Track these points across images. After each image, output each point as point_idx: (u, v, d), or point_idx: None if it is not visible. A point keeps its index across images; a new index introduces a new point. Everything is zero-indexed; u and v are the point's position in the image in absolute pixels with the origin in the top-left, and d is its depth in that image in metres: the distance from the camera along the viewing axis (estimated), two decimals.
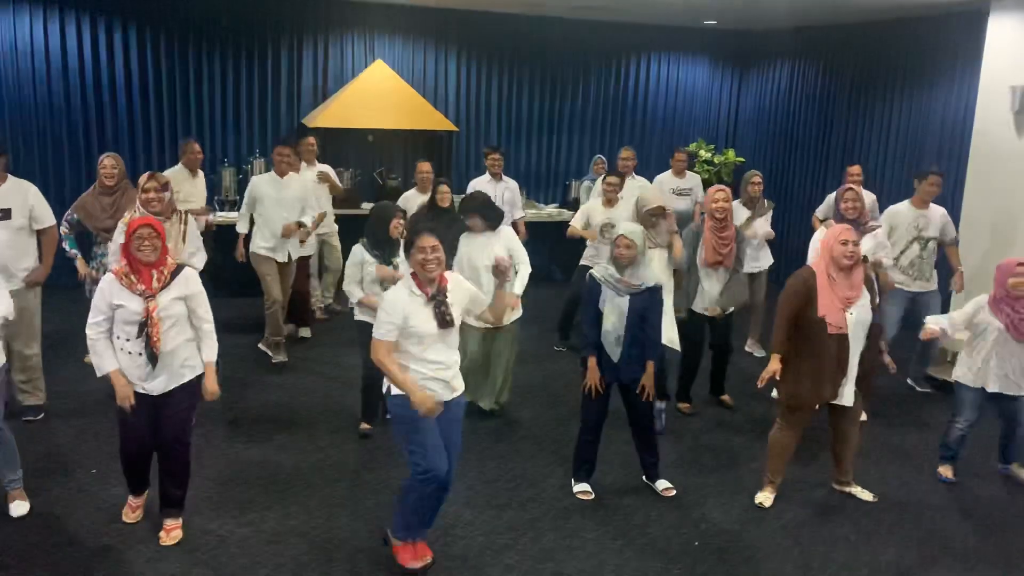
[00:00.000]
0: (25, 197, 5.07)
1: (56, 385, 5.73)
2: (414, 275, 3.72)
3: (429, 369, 3.71)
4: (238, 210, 7.09)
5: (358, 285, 5.11)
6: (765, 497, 4.69)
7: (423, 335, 3.67)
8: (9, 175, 5.09)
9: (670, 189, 8.24)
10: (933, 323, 4.90)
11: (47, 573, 3.78)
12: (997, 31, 6.82)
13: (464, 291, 3.88)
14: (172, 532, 4.10)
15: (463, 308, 3.88)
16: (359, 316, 5.20)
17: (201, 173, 7.35)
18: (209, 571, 3.84)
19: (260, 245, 6.40)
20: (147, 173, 5.01)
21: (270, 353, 6.63)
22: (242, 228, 6.56)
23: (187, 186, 7.11)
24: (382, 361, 3.68)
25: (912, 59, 8.32)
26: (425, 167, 7.06)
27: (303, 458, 5.05)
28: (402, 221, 5.14)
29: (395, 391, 3.74)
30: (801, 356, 4.42)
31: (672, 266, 5.77)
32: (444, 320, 3.68)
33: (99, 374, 3.89)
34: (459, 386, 3.88)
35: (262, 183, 6.42)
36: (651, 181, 8.23)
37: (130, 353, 3.86)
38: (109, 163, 5.82)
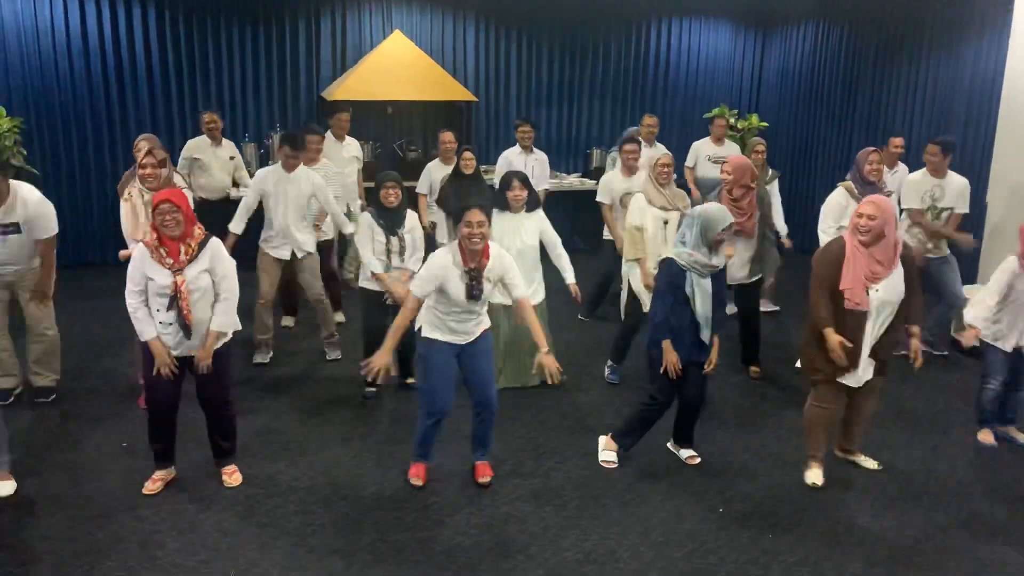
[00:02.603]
0: (25, 208, 4.91)
1: (68, 364, 5.71)
2: (461, 245, 4.04)
3: (449, 318, 4.18)
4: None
5: (368, 250, 5.25)
6: (815, 475, 4.55)
7: (454, 300, 4.09)
8: (16, 183, 4.94)
9: (707, 156, 8.15)
10: (971, 321, 4.82)
11: (62, 551, 3.87)
12: None
13: (503, 267, 4.18)
14: (233, 475, 4.44)
15: (496, 281, 4.19)
16: (363, 283, 5.28)
17: (227, 143, 7.51)
18: (237, 518, 3.94)
19: (265, 241, 6.01)
20: (144, 145, 5.04)
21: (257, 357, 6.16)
22: (235, 228, 5.86)
23: (208, 155, 7.22)
24: (404, 309, 4.11)
25: (939, 18, 8.12)
26: (448, 137, 7.00)
27: (306, 420, 5.17)
28: (393, 190, 5.16)
29: (424, 333, 4.23)
30: (819, 331, 4.32)
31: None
32: (472, 294, 4.07)
33: (142, 339, 4.07)
34: (477, 331, 4.29)
35: (268, 179, 5.93)
36: (671, 148, 8.11)
37: (162, 323, 4.03)
38: (143, 145, 5.80)
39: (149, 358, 4.11)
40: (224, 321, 4.13)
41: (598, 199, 6.67)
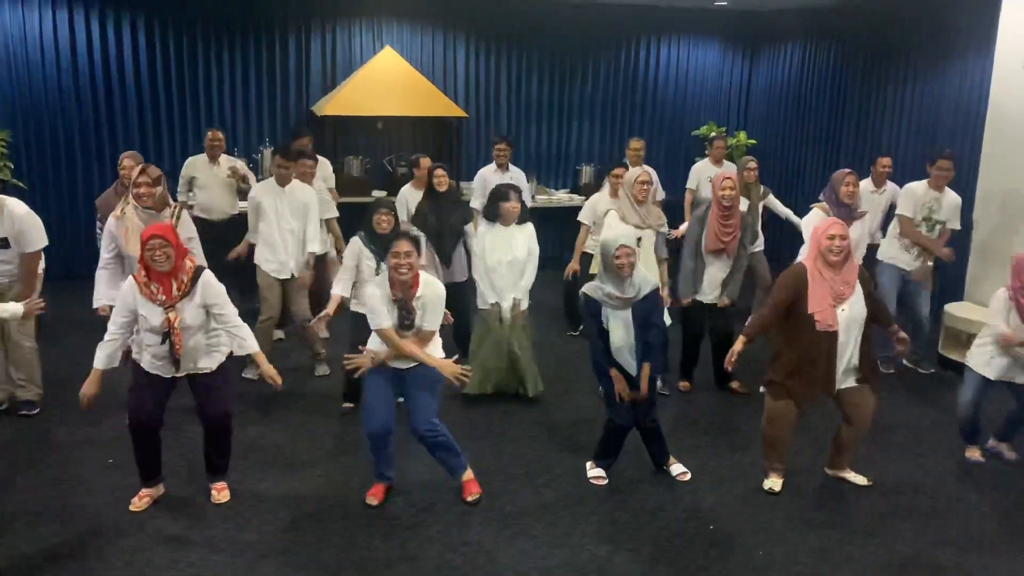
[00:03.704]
0: (13, 224, 4.91)
1: (51, 377, 5.64)
2: (390, 275, 4.13)
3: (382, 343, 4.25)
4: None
5: (349, 281, 5.24)
6: (773, 482, 4.65)
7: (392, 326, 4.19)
8: (3, 197, 4.92)
9: (708, 177, 8.13)
10: (995, 333, 4.78)
11: (46, 568, 3.81)
12: (1012, 7, 6.72)
13: (435, 295, 4.25)
14: (222, 492, 4.40)
15: (434, 312, 4.25)
16: (354, 307, 5.30)
17: (225, 159, 7.20)
18: (226, 535, 3.89)
19: (263, 259, 5.92)
20: (139, 167, 5.02)
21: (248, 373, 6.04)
22: (252, 238, 5.97)
23: (205, 174, 7.11)
24: (396, 344, 4.19)
25: (925, 38, 8.21)
26: (427, 163, 6.85)
27: (295, 435, 5.18)
28: (386, 217, 5.18)
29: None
30: (792, 349, 4.37)
31: (661, 252, 5.75)
32: (403, 323, 4.17)
33: (95, 364, 4.06)
34: (414, 360, 4.29)
35: (262, 193, 5.88)
36: (659, 165, 8.15)
37: (154, 354, 4.03)
38: (128, 163, 5.78)
39: (132, 378, 4.08)
40: (252, 339, 4.20)
41: (579, 218, 6.68)
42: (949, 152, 6.30)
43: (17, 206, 4.93)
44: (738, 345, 4.49)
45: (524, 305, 5.63)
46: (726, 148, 8.38)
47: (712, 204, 5.63)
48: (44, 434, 5.11)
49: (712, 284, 5.73)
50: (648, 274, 4.66)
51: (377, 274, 5.25)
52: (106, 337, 4.03)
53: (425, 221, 5.88)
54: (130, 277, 4.01)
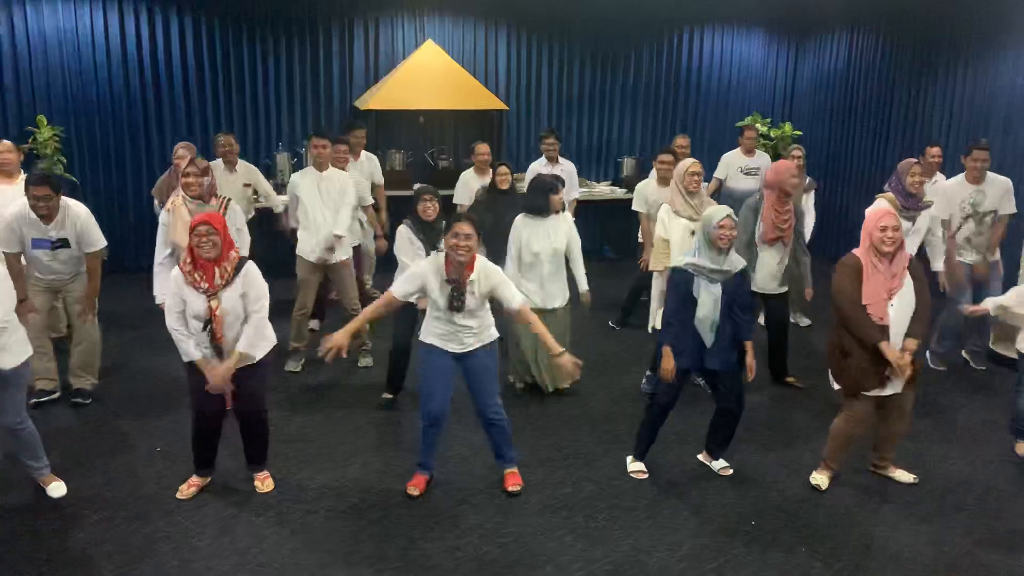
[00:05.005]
0: (75, 224, 5.09)
1: (104, 368, 5.79)
2: (447, 254, 4.07)
3: (439, 325, 4.25)
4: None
5: (411, 261, 5.18)
6: (821, 480, 4.59)
7: (439, 306, 4.16)
8: (66, 200, 5.08)
9: (738, 168, 8.05)
10: (991, 303, 4.77)
11: (96, 552, 3.91)
12: None
13: (490, 282, 4.16)
14: (265, 481, 4.48)
15: (484, 295, 4.18)
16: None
17: (244, 166, 7.08)
18: (269, 524, 3.96)
19: (304, 250, 5.98)
20: (189, 157, 5.12)
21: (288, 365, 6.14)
22: (294, 223, 6.09)
23: (220, 180, 7.07)
24: (378, 301, 4.23)
25: (977, 25, 7.99)
26: (484, 149, 6.98)
27: (338, 426, 5.22)
28: (431, 203, 5.18)
29: (420, 337, 4.34)
30: (850, 345, 4.28)
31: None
32: (452, 304, 4.12)
33: (185, 359, 4.13)
34: (472, 343, 4.27)
35: (302, 181, 5.94)
36: (703, 157, 8.05)
37: (198, 342, 4.09)
38: (181, 152, 5.91)
39: (193, 374, 4.15)
40: (250, 343, 4.13)
41: (634, 207, 6.65)
42: (984, 142, 6.15)
43: (79, 208, 5.13)
44: (892, 353, 4.17)
45: (563, 299, 5.58)
46: (757, 137, 8.26)
47: (767, 193, 5.52)
48: (96, 423, 5.23)
49: (768, 275, 5.62)
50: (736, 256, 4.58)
51: None
52: (173, 335, 4.08)
53: (481, 218, 5.88)
54: (175, 267, 4.09)
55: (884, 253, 4.19)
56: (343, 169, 6.31)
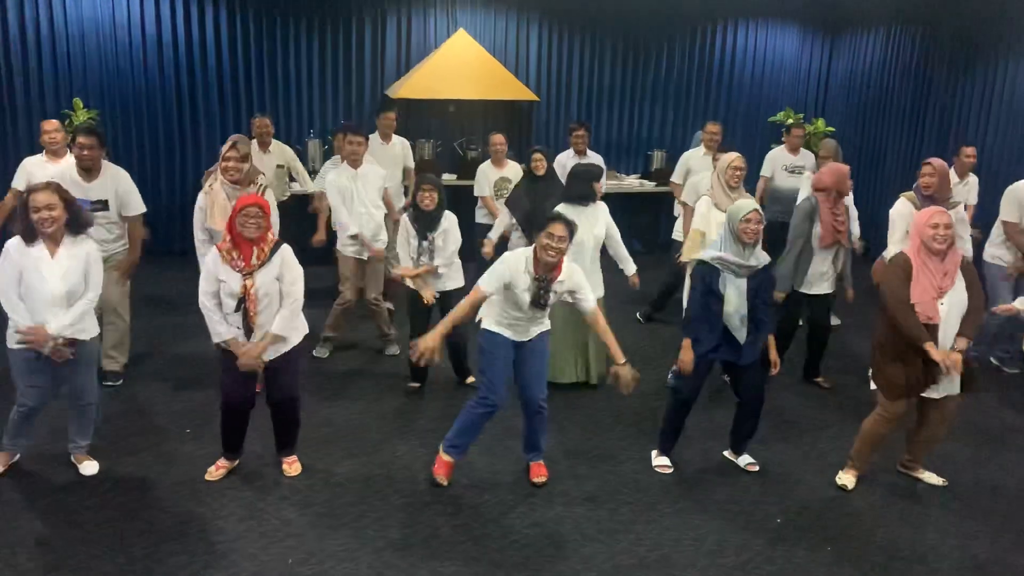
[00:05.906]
0: (116, 186, 5.22)
1: (136, 350, 5.90)
2: (536, 252, 4.10)
3: (508, 317, 4.26)
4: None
5: (405, 252, 5.38)
6: (848, 479, 4.56)
7: (519, 303, 4.16)
8: (106, 162, 5.22)
9: (783, 166, 7.90)
10: (1021, 303, 4.69)
11: (126, 531, 3.98)
12: None
13: (574, 283, 4.21)
14: (292, 466, 4.53)
15: (564, 293, 4.23)
16: (408, 282, 5.43)
17: (277, 147, 7.26)
18: (296, 508, 4.00)
19: (344, 245, 6.06)
20: (229, 142, 5.16)
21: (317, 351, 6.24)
22: (344, 218, 5.95)
23: (255, 160, 7.17)
24: (467, 299, 4.16)
25: (1017, 23, 7.86)
26: (499, 139, 6.94)
27: (365, 413, 5.24)
28: (429, 193, 5.25)
29: (484, 325, 4.34)
30: (895, 345, 4.22)
31: None
32: (537, 302, 4.15)
33: (215, 340, 4.16)
34: (535, 331, 4.34)
35: (343, 180, 5.94)
36: (742, 150, 7.96)
37: (231, 323, 4.11)
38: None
39: (223, 357, 4.20)
40: (284, 325, 4.15)
41: (672, 179, 6.69)
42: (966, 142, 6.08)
43: (121, 171, 5.28)
44: (939, 354, 4.10)
45: (599, 292, 5.55)
46: (804, 136, 8.17)
47: (821, 196, 5.43)
48: (126, 404, 5.30)
49: (817, 275, 5.54)
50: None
51: (419, 252, 5.31)
52: (205, 313, 4.11)
53: (519, 204, 5.89)
54: (213, 248, 4.13)
55: (935, 251, 4.14)
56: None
